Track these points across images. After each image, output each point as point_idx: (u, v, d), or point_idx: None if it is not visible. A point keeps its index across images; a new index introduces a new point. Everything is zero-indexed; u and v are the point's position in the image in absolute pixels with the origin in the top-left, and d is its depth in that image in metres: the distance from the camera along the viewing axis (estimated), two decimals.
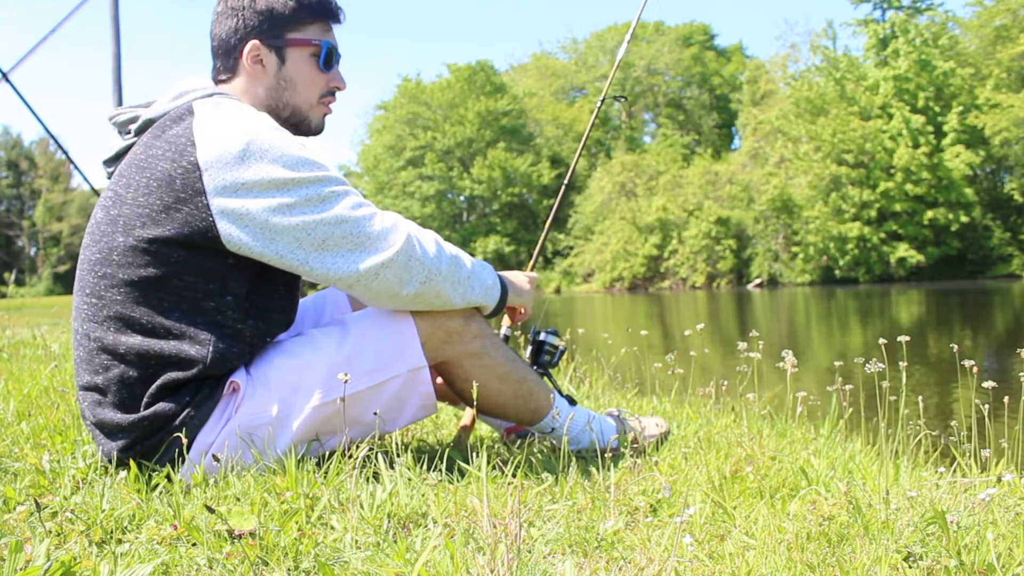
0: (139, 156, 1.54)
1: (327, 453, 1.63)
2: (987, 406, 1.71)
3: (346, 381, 1.51)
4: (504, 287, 1.76)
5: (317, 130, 1.74)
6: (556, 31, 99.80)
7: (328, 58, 1.69)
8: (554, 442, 1.89)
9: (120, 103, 7.22)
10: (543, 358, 2.00)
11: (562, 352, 2.01)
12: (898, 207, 34.73)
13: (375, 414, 1.62)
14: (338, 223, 1.50)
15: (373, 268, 1.52)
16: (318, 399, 1.56)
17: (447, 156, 46.52)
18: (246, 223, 1.47)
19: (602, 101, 2.35)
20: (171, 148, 1.50)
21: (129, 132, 1.64)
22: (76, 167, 6.41)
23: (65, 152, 6.86)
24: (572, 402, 1.90)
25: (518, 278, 1.86)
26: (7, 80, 5.92)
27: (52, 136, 6.32)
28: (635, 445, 1.88)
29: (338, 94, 1.77)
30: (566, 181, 2.27)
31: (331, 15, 1.70)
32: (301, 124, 1.71)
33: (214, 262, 1.51)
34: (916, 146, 35.18)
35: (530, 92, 50.38)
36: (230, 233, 1.47)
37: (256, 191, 1.46)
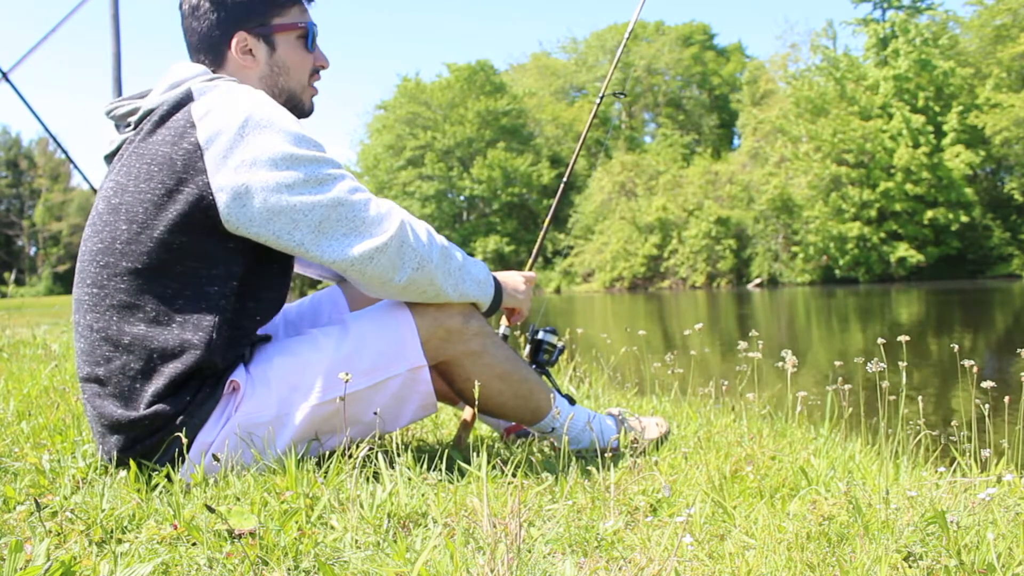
0: (140, 146, 1.54)
1: (327, 453, 1.63)
2: (987, 406, 1.71)
3: (347, 380, 1.51)
4: (498, 284, 1.77)
5: (310, 111, 1.78)
6: (556, 31, 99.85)
7: (313, 38, 1.72)
8: (554, 442, 1.89)
9: None
10: (541, 356, 2.00)
11: (560, 351, 2.01)
12: (898, 207, 34.73)
13: (375, 414, 1.62)
14: (335, 206, 1.50)
15: (367, 253, 1.52)
16: (317, 398, 1.56)
17: (447, 156, 46.49)
18: (245, 201, 1.47)
19: (601, 98, 2.34)
20: (172, 133, 1.50)
21: (128, 125, 1.63)
22: (76, 166, 6.41)
23: (65, 152, 6.86)
24: (572, 401, 1.90)
25: (514, 279, 1.86)
26: (7, 80, 5.92)
27: (52, 136, 6.32)
28: (635, 445, 1.88)
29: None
30: (565, 179, 2.26)
31: None
32: (295, 108, 1.73)
33: (215, 246, 1.51)
34: (916, 146, 35.17)
35: (530, 92, 50.36)
36: (230, 211, 1.47)
37: (256, 167, 1.46)
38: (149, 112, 1.59)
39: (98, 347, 1.52)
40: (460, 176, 45.92)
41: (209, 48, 1.66)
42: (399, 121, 47.41)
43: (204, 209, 1.47)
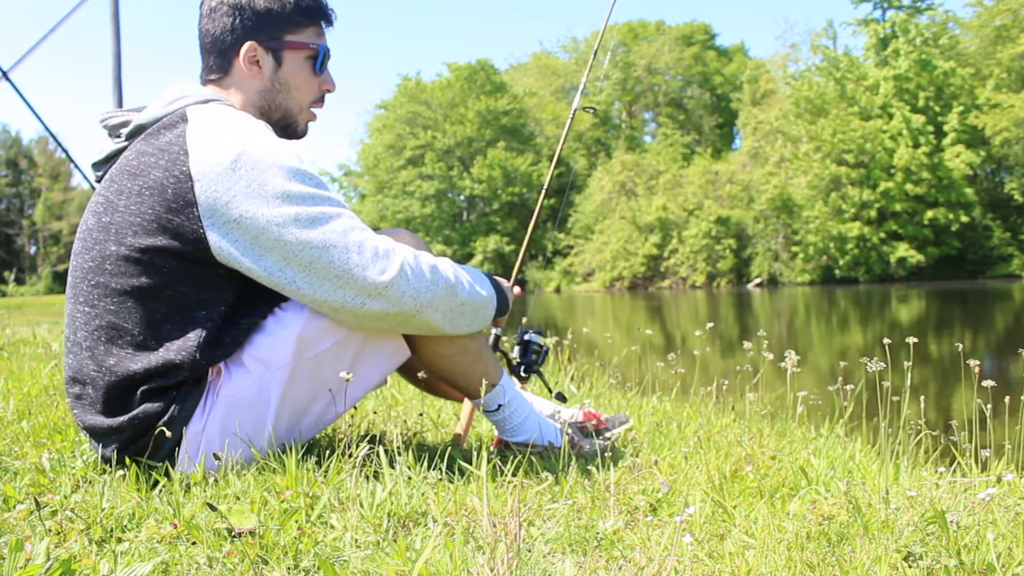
0: (131, 162, 1.53)
1: (327, 452, 1.63)
2: (988, 406, 1.71)
3: (347, 380, 1.51)
4: (501, 301, 1.75)
5: (303, 134, 1.75)
6: (556, 30, 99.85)
7: (323, 62, 1.70)
8: (496, 432, 1.86)
9: (120, 102, 7.21)
10: (530, 357, 2.00)
11: (546, 352, 2.02)
12: (898, 207, 34.72)
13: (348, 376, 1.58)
14: (325, 248, 1.47)
15: (359, 299, 1.50)
16: (289, 369, 1.54)
17: (447, 155, 46.46)
18: (236, 236, 1.46)
19: (573, 113, 2.33)
20: (164, 156, 1.49)
21: (120, 136, 1.63)
22: (76, 166, 6.41)
23: (65, 151, 6.86)
24: (563, 400, 1.92)
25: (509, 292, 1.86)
26: (7, 79, 5.92)
27: (52, 135, 6.32)
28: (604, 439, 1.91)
29: (336, 93, 1.78)
30: (545, 186, 2.24)
31: (326, 18, 1.71)
32: (289, 128, 1.71)
33: (205, 272, 1.51)
34: (916, 146, 35.16)
35: (530, 91, 50.31)
36: (220, 246, 1.47)
37: (247, 202, 1.45)
38: (142, 127, 1.58)
39: (85, 365, 1.52)
40: (460, 176, 45.89)
41: (219, 52, 1.65)
42: (399, 120, 47.37)
43: (194, 241, 1.47)
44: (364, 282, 1.49)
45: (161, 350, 1.49)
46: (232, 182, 1.44)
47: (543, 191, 2.23)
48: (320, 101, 1.74)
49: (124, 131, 1.61)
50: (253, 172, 1.45)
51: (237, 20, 1.62)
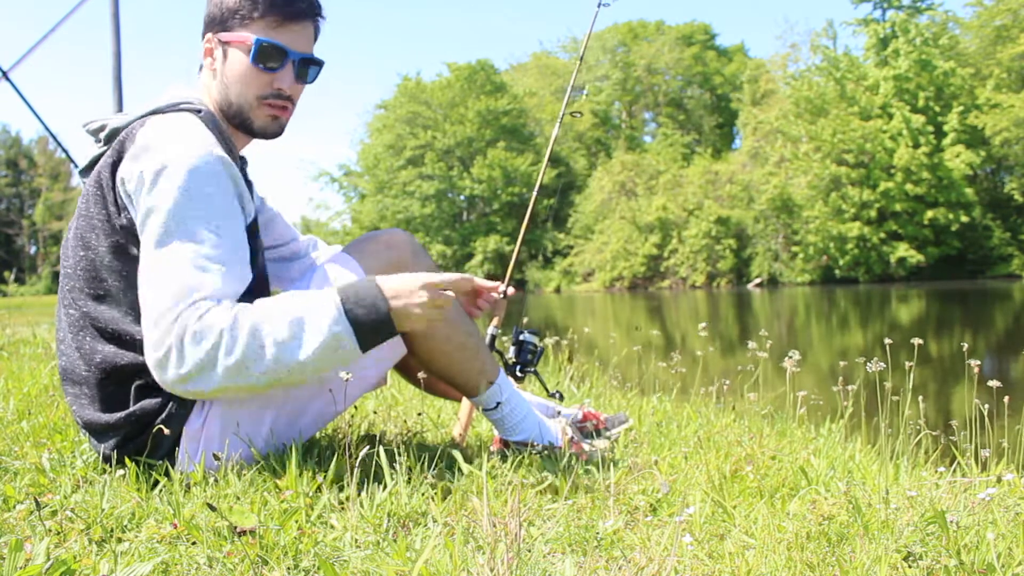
0: (97, 166, 1.56)
1: (327, 452, 1.63)
2: (988, 406, 1.71)
3: (347, 380, 1.51)
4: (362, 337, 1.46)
5: (262, 132, 1.65)
6: (556, 31, 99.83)
7: (261, 56, 1.58)
8: (496, 431, 1.86)
9: (120, 102, 7.22)
10: (525, 356, 2.01)
11: (541, 352, 2.03)
12: (898, 207, 34.71)
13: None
14: (159, 297, 1.40)
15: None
16: None
17: (447, 155, 46.46)
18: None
19: (560, 119, 2.33)
20: (112, 157, 1.51)
21: (100, 140, 1.64)
22: (76, 165, 6.40)
23: (65, 151, 6.86)
24: (560, 398, 1.95)
25: (405, 306, 1.48)
26: (7, 79, 5.93)
27: (52, 135, 6.32)
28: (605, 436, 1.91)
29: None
30: (536, 190, 2.25)
31: (282, 11, 1.59)
32: (244, 124, 1.64)
33: None
34: (916, 146, 35.15)
35: (530, 91, 50.31)
36: None
37: (147, 218, 1.44)
38: (116, 131, 1.60)
39: (76, 365, 1.54)
40: (460, 176, 45.89)
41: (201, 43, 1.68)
42: (399, 120, 47.37)
43: (138, 241, 1.48)
44: (149, 343, 1.41)
45: (140, 351, 1.49)
46: (143, 193, 1.44)
47: (534, 194, 2.24)
48: (274, 98, 1.61)
49: (102, 135, 1.63)
50: (161, 191, 1.43)
51: (206, 12, 1.65)
